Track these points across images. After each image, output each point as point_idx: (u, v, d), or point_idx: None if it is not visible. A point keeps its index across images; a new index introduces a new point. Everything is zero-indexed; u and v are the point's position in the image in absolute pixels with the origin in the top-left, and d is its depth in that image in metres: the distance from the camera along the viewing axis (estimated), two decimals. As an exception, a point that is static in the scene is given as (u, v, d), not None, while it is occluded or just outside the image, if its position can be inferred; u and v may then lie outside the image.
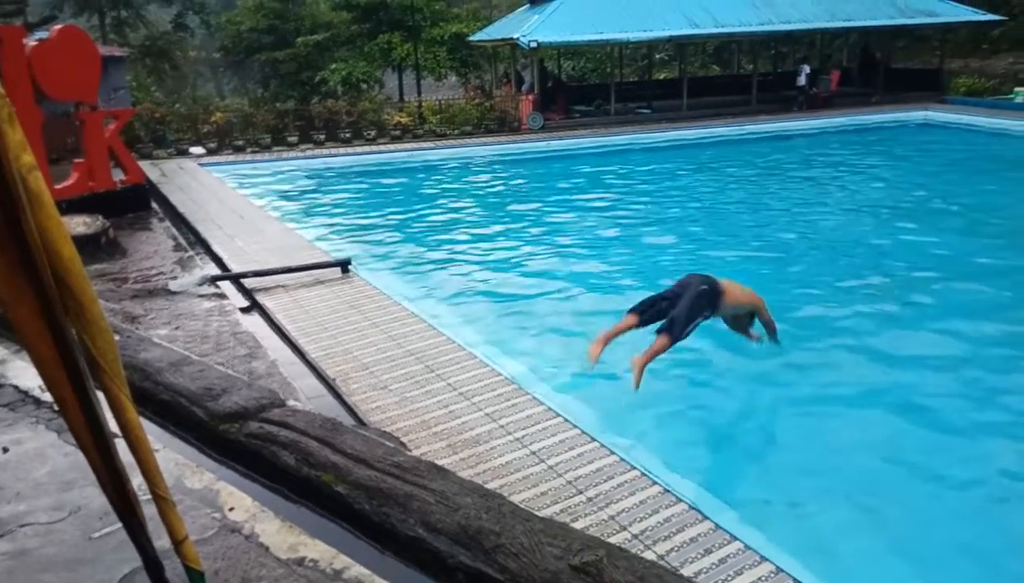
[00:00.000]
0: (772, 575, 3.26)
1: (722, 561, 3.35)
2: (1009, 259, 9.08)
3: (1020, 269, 8.75)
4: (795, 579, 3.23)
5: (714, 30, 21.26)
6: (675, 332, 4.65)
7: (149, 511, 2.12)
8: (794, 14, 21.84)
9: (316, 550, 2.91)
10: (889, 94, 22.80)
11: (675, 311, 4.70)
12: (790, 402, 5.55)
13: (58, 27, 10.22)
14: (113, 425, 1.93)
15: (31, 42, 9.61)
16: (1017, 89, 21.08)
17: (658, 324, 4.78)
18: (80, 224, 8.79)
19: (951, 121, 19.76)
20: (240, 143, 18.41)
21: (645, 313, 4.89)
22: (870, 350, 6.49)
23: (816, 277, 8.87)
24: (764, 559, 3.35)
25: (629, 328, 4.88)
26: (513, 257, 9.89)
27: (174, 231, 10.12)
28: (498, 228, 11.49)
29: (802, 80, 21.98)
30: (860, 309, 7.58)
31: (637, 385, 4.54)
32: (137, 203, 11.25)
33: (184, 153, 17.68)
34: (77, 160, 10.71)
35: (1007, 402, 5.65)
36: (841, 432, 5.14)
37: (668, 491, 3.86)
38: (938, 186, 13.61)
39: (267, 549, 2.92)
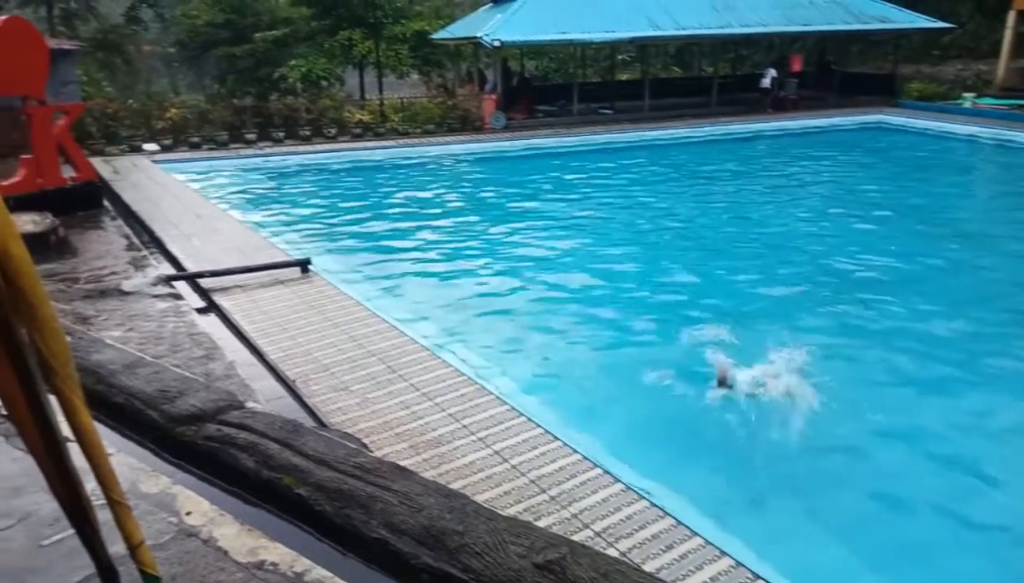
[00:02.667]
0: (732, 569, 3.32)
1: (683, 556, 3.40)
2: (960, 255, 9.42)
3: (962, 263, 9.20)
4: (753, 573, 3.29)
5: (675, 32, 21.49)
6: None
7: (103, 517, 2.07)
8: (753, 18, 22.21)
9: (276, 553, 2.87)
10: (844, 98, 23.34)
11: None
12: (748, 402, 5.62)
13: (2, 18, 9.84)
14: (65, 429, 1.88)
15: (-26, 34, 9.24)
16: (965, 94, 21.83)
17: None
18: (28, 222, 8.50)
19: (904, 124, 20.42)
20: (196, 140, 18.02)
21: None
22: (828, 345, 6.64)
23: (768, 272, 9.08)
24: (724, 554, 3.41)
25: None
26: (475, 257, 9.88)
27: (127, 230, 9.85)
28: (460, 227, 11.45)
29: (766, 83, 22.38)
30: (811, 305, 7.80)
31: None
32: (88, 201, 10.92)
33: (137, 150, 17.23)
34: (25, 156, 10.36)
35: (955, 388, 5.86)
36: (799, 429, 5.23)
37: (629, 489, 3.90)
38: (895, 186, 14.00)
39: (226, 553, 2.87)
